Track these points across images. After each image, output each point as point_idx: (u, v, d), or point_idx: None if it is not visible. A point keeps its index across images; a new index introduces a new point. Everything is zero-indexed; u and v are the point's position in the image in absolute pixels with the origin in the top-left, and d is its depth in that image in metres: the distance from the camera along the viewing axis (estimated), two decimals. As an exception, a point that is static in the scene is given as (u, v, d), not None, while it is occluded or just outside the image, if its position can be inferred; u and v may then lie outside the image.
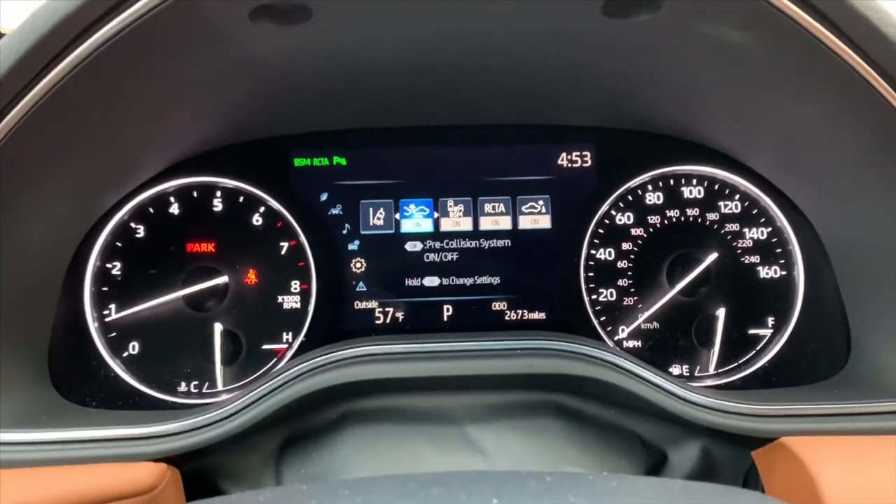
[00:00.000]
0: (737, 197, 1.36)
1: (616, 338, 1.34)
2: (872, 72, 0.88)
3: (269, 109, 1.26)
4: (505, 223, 1.38)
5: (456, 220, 1.38)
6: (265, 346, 1.31)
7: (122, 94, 1.00)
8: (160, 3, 0.81)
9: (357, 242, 1.37)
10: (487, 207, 1.38)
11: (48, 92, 0.86)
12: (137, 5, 0.81)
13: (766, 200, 1.35)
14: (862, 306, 1.22)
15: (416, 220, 1.38)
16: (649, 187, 1.37)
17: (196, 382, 1.29)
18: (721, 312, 1.31)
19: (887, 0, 0.85)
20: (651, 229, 1.36)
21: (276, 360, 1.31)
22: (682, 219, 1.36)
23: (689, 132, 1.34)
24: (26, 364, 1.15)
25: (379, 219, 1.37)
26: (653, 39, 1.02)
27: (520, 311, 1.37)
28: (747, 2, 0.84)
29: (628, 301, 1.35)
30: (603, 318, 1.34)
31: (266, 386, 0.98)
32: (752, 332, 1.33)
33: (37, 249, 1.13)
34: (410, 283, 1.37)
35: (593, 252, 1.36)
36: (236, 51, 1.01)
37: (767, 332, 1.33)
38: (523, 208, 1.38)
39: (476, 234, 1.38)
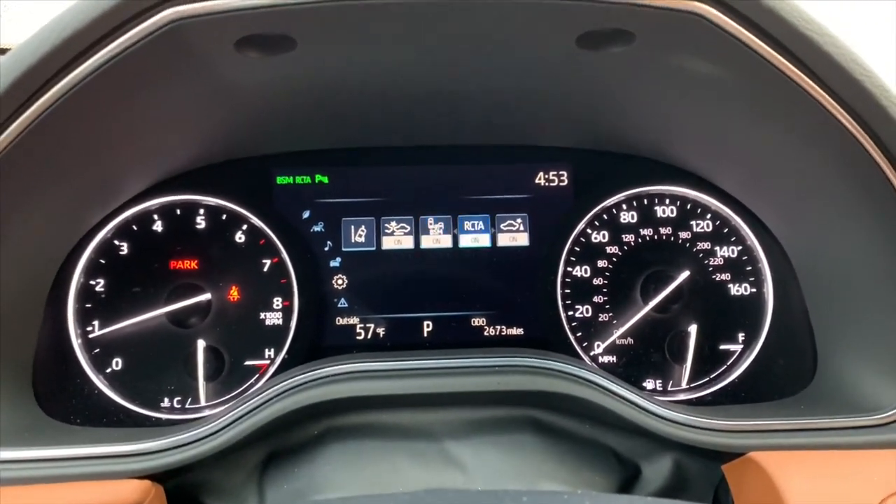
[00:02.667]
0: (708, 216, 1.40)
1: (592, 353, 1.37)
2: (832, 101, 0.92)
3: (253, 130, 1.28)
4: (484, 240, 1.41)
5: (436, 237, 1.40)
6: (247, 362, 1.32)
7: (109, 118, 1.01)
8: (150, 34, 0.82)
9: (338, 259, 1.39)
10: (467, 225, 1.41)
11: (38, 117, 0.88)
12: (128, 35, 0.83)
13: (737, 220, 1.38)
14: (828, 324, 1.26)
15: (396, 237, 1.40)
16: (624, 206, 1.40)
17: (179, 398, 1.29)
18: (693, 328, 1.35)
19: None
20: (625, 247, 1.39)
21: (258, 375, 1.32)
22: (656, 237, 1.39)
23: (662, 154, 1.38)
24: (10, 381, 1.15)
25: (360, 236, 1.40)
26: (626, 69, 1.05)
27: (498, 327, 1.39)
28: (715, 37, 0.87)
29: (603, 317, 1.38)
30: (579, 334, 1.37)
31: (249, 404, 1.00)
32: (722, 347, 1.36)
33: (21, 267, 1.14)
34: (391, 300, 1.39)
35: (570, 269, 1.39)
36: (222, 77, 1.03)
37: (738, 347, 1.36)
38: (502, 226, 1.41)
39: (456, 251, 1.40)
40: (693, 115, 1.17)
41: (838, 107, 0.92)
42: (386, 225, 1.40)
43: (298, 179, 1.40)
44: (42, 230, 1.16)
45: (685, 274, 1.36)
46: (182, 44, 0.88)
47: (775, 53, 0.88)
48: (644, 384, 1.36)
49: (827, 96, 0.91)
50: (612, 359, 1.37)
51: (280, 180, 1.39)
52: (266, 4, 0.83)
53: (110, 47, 0.84)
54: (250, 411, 0.99)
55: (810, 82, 0.90)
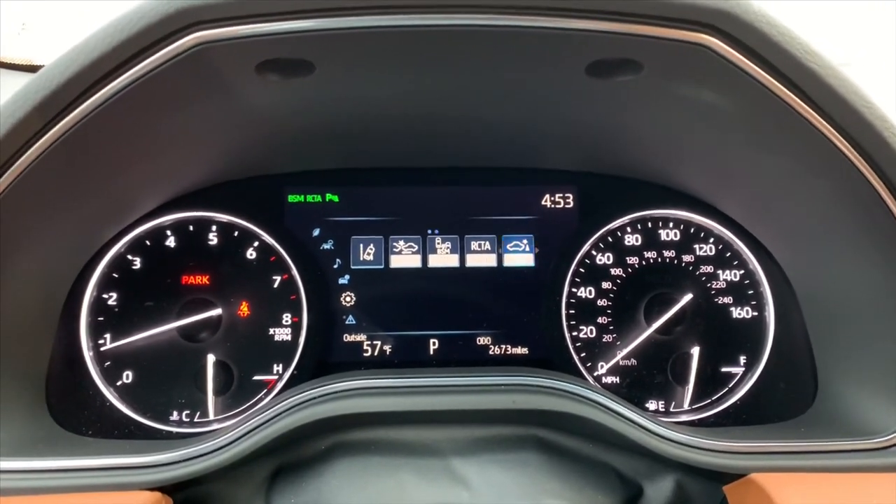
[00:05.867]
0: (711, 240, 1.42)
1: (595, 374, 1.38)
2: (834, 131, 0.94)
3: (267, 150, 1.31)
4: (490, 260, 1.43)
5: (443, 256, 1.42)
6: (256, 377, 1.34)
7: (131, 137, 1.04)
8: (175, 57, 0.85)
9: (347, 277, 1.41)
10: (474, 245, 1.43)
11: (59, 138, 0.90)
12: (154, 57, 0.86)
13: (739, 244, 1.40)
14: (828, 349, 1.28)
15: (404, 255, 1.42)
16: (628, 229, 1.43)
17: (188, 412, 1.31)
18: (695, 351, 1.36)
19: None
20: (629, 269, 1.41)
21: (266, 390, 1.34)
22: (659, 260, 1.41)
23: (666, 178, 1.40)
24: (24, 393, 1.17)
25: (369, 254, 1.42)
26: (633, 97, 1.08)
27: (503, 346, 1.41)
28: (721, 68, 0.90)
29: (607, 338, 1.39)
30: (583, 355, 1.39)
31: (258, 419, 1.01)
32: (724, 370, 1.37)
33: (36, 282, 1.16)
34: (398, 317, 1.41)
35: (574, 290, 1.41)
36: (241, 99, 1.05)
37: (739, 370, 1.38)
38: (508, 246, 1.43)
39: (462, 270, 1.42)
40: (698, 142, 1.19)
41: (840, 137, 0.94)
42: (394, 244, 1.42)
43: (309, 198, 1.42)
44: (59, 245, 1.18)
45: (688, 297, 1.38)
46: (205, 67, 0.90)
47: (779, 84, 0.91)
48: (647, 405, 1.37)
49: (829, 127, 0.93)
50: (616, 379, 1.38)
51: (291, 198, 1.41)
52: (286, 31, 0.85)
53: (136, 69, 0.86)
54: (259, 426, 1.00)
55: (813, 113, 0.92)
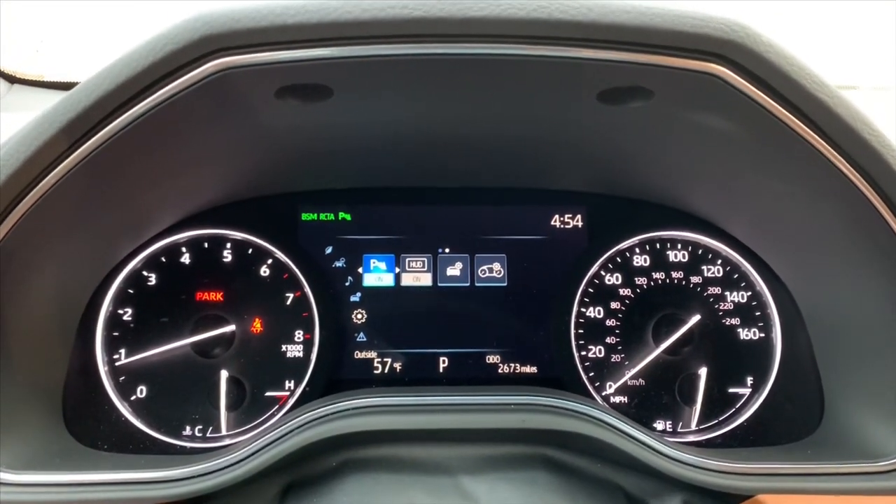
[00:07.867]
0: (719, 262, 1.43)
1: (603, 393, 1.39)
2: (842, 159, 0.96)
3: (282, 169, 1.33)
4: (500, 279, 1.44)
5: (453, 275, 1.44)
6: (268, 393, 1.35)
7: (149, 160, 1.06)
8: (197, 82, 0.87)
9: (359, 294, 1.42)
10: (483, 264, 1.45)
11: (83, 159, 0.92)
12: (177, 81, 0.88)
13: (747, 266, 1.42)
14: (835, 370, 1.28)
15: (415, 274, 1.44)
16: (637, 250, 1.44)
17: (201, 427, 1.32)
18: (703, 371, 1.37)
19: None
20: (638, 290, 1.43)
21: (278, 406, 1.35)
22: (668, 281, 1.43)
23: (675, 201, 1.42)
24: (41, 407, 1.18)
25: (380, 272, 1.43)
26: (644, 123, 1.10)
27: (512, 365, 1.42)
28: (730, 96, 0.92)
29: (616, 358, 1.40)
30: (591, 374, 1.40)
31: (270, 435, 1.02)
32: (731, 390, 1.38)
33: (53, 297, 1.18)
34: (408, 335, 1.42)
35: (583, 310, 1.42)
36: (261, 122, 1.08)
37: (746, 391, 1.38)
38: (517, 266, 1.45)
39: (472, 289, 1.44)
40: (706, 165, 1.21)
41: (847, 164, 0.96)
42: (405, 262, 1.44)
43: (322, 216, 1.44)
44: (76, 261, 1.20)
45: (696, 317, 1.39)
46: (226, 91, 0.93)
47: (787, 113, 0.92)
48: (654, 425, 1.37)
49: (836, 154, 0.95)
50: (624, 399, 1.39)
51: (305, 217, 1.43)
52: (306, 58, 0.87)
53: (160, 93, 0.88)
54: (272, 443, 1.02)
55: (821, 141, 0.94)
